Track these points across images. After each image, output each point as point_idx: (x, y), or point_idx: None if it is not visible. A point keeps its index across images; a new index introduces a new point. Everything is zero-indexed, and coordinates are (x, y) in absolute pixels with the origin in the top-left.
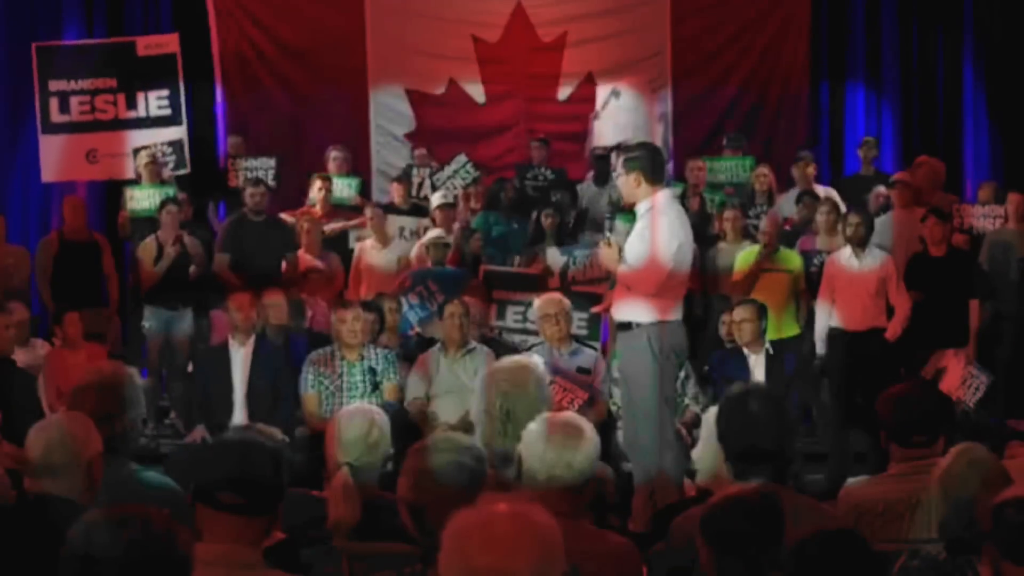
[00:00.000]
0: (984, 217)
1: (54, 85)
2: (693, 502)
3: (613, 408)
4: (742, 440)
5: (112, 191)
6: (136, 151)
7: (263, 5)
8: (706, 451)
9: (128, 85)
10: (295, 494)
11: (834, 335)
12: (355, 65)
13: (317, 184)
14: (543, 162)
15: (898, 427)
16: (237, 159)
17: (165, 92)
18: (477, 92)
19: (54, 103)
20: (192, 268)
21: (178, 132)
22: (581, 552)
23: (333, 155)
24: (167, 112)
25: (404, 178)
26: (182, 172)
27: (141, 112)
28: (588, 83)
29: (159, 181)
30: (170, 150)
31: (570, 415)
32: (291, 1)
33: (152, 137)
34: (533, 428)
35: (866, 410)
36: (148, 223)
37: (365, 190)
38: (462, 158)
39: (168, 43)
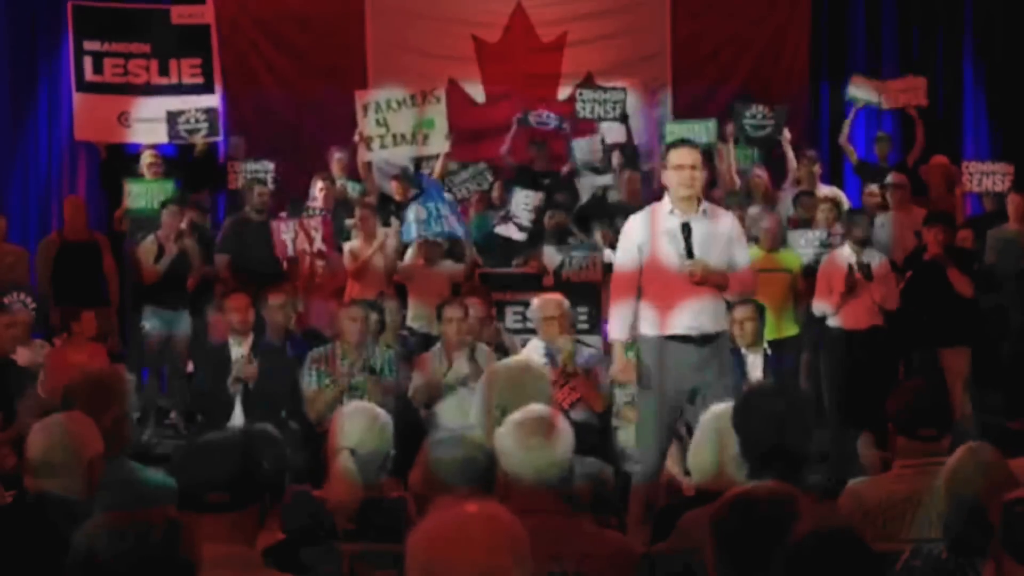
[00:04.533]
0: (989, 175)
1: (89, 45)
2: (693, 503)
3: (615, 408)
4: (766, 439)
5: (112, 190)
6: (144, 150)
7: (263, 5)
8: (704, 451)
9: (161, 52)
10: (295, 492)
11: (834, 335)
12: (355, 65)
13: (319, 185)
14: (545, 167)
15: (907, 418)
16: (236, 161)
17: (198, 61)
18: (477, 92)
19: (88, 62)
20: (191, 278)
21: (211, 100)
22: (579, 552)
23: (337, 156)
24: (199, 80)
25: (403, 176)
26: (214, 139)
27: (174, 79)
28: (588, 83)
29: (161, 177)
30: (204, 117)
31: (538, 410)
32: (291, 1)
33: (185, 103)
34: (503, 432)
35: (866, 410)
36: (145, 222)
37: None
38: (482, 165)
39: (202, 13)
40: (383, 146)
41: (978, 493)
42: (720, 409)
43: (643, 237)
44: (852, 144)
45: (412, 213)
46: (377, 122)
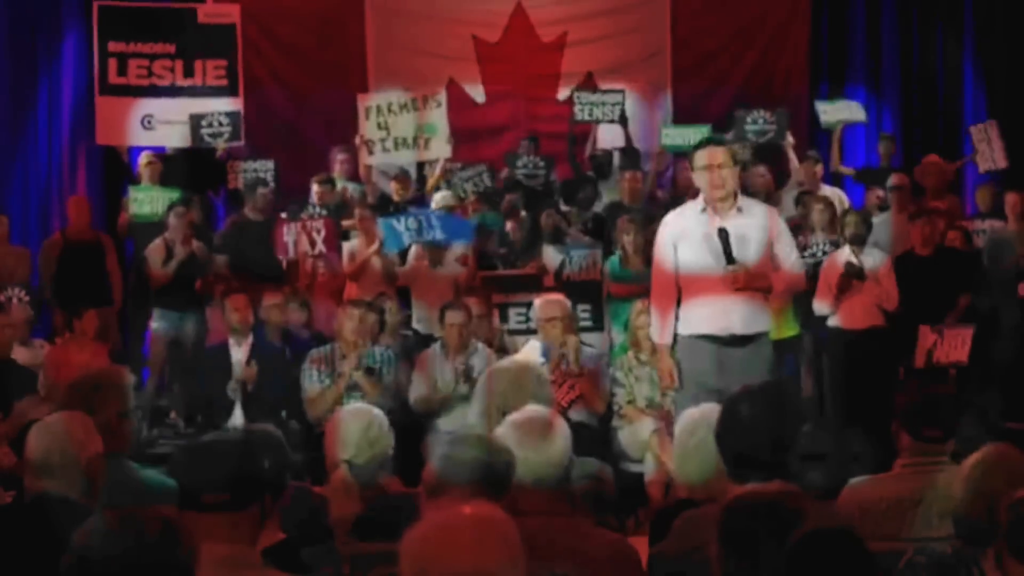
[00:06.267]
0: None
1: (114, 46)
2: (691, 503)
3: (616, 408)
4: (743, 443)
5: (113, 190)
6: (151, 156)
7: (263, 5)
8: (691, 460)
9: (186, 52)
10: (295, 490)
11: (834, 335)
12: (355, 65)
13: (315, 187)
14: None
15: (914, 417)
16: (237, 160)
17: (223, 62)
18: (477, 92)
19: (112, 64)
20: (199, 283)
21: (234, 103)
22: (578, 552)
23: (340, 157)
24: (223, 82)
25: (403, 176)
26: (237, 143)
27: (198, 80)
28: (588, 83)
29: (160, 182)
30: (227, 121)
31: (536, 410)
32: (291, 1)
33: (208, 106)
34: (501, 432)
35: (864, 410)
36: (149, 228)
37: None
38: (482, 167)
39: (229, 13)
40: (384, 150)
41: (996, 489)
42: (705, 416)
43: (677, 234)
44: (852, 147)
45: (401, 223)
46: (378, 125)
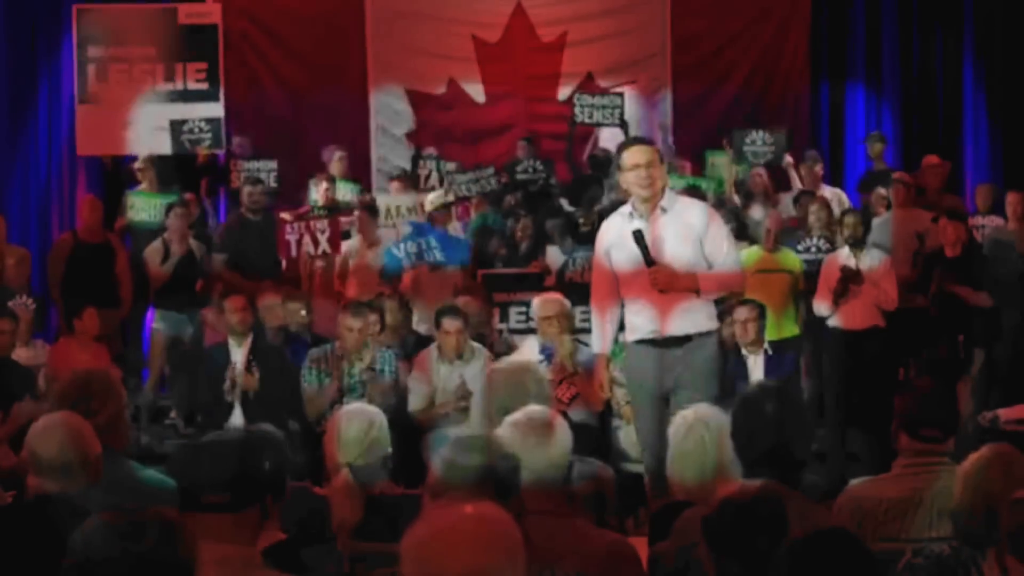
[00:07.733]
0: (984, 229)
1: (93, 51)
2: (689, 504)
3: (615, 407)
4: (763, 441)
5: (113, 192)
6: (144, 162)
7: (263, 5)
8: (685, 462)
9: (167, 55)
10: (295, 490)
11: (834, 335)
12: (355, 65)
13: (323, 185)
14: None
15: (912, 417)
16: (239, 160)
17: (204, 65)
18: (477, 92)
19: (92, 71)
20: (199, 283)
21: (215, 109)
22: (579, 552)
23: (338, 155)
24: (204, 87)
25: (404, 177)
26: (218, 151)
27: (179, 85)
28: (588, 83)
29: (158, 188)
30: (207, 127)
31: (536, 411)
32: (291, 1)
33: (188, 112)
34: (501, 433)
35: (864, 410)
36: (147, 235)
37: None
38: (490, 170)
39: (210, 12)
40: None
41: (995, 490)
42: (700, 416)
43: (610, 241)
44: (852, 149)
45: (401, 250)
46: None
